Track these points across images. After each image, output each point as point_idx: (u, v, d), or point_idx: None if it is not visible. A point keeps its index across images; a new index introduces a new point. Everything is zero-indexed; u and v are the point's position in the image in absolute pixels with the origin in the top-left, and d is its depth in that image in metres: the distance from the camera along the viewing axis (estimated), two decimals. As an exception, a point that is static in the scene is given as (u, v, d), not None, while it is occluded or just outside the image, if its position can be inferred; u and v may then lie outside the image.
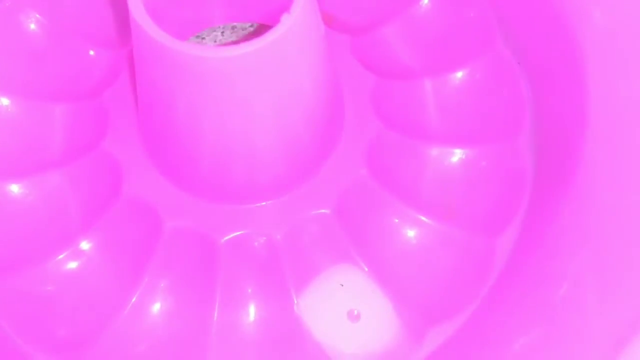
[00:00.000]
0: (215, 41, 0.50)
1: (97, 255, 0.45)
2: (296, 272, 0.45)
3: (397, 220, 0.46)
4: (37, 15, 0.49)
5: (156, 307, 0.44)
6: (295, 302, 0.44)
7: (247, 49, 0.35)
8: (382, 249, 0.46)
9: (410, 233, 0.46)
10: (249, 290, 0.44)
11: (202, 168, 0.44)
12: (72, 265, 0.45)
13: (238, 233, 0.45)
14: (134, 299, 0.44)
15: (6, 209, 0.46)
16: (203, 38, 0.49)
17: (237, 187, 0.45)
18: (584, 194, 0.43)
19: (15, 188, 0.46)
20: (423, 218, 0.46)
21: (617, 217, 0.41)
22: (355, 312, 0.44)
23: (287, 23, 0.35)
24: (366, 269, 0.45)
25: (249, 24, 0.49)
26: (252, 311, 0.44)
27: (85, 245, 0.45)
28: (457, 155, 0.48)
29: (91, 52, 0.49)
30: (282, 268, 0.45)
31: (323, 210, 0.45)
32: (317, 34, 0.39)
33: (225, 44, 0.50)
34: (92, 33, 0.49)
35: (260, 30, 0.49)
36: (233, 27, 0.49)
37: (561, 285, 0.41)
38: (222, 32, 0.50)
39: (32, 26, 0.49)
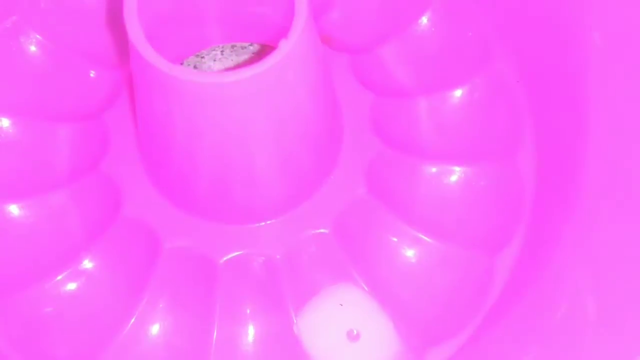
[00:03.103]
0: (214, 60, 0.50)
1: (96, 275, 0.45)
2: (295, 292, 0.45)
3: (396, 239, 0.46)
4: (38, 36, 0.49)
5: (155, 328, 0.44)
6: (295, 322, 0.44)
7: (245, 74, 0.35)
8: (381, 268, 0.46)
9: (410, 252, 0.46)
10: (248, 310, 0.44)
11: (201, 189, 0.44)
12: (72, 285, 0.45)
13: (237, 253, 0.45)
14: (133, 320, 0.44)
15: (7, 228, 0.46)
16: (202, 57, 0.49)
17: (235, 207, 0.45)
18: (584, 214, 0.42)
19: (16, 208, 0.46)
20: (422, 237, 0.46)
21: (619, 240, 0.41)
22: (355, 332, 0.44)
23: (285, 49, 0.35)
24: (366, 289, 0.45)
25: (249, 42, 0.49)
26: (251, 331, 0.44)
27: (84, 265, 0.45)
28: (456, 173, 0.48)
29: (92, 72, 0.49)
30: (281, 288, 0.45)
31: (322, 230, 0.45)
32: (316, 56, 0.39)
33: (227, 68, 0.50)
34: (93, 53, 0.49)
35: (262, 48, 0.49)
36: (233, 46, 0.49)
37: (560, 307, 0.41)
38: (222, 51, 0.50)
39: (33, 47, 0.49)
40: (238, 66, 0.49)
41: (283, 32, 0.40)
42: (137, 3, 0.37)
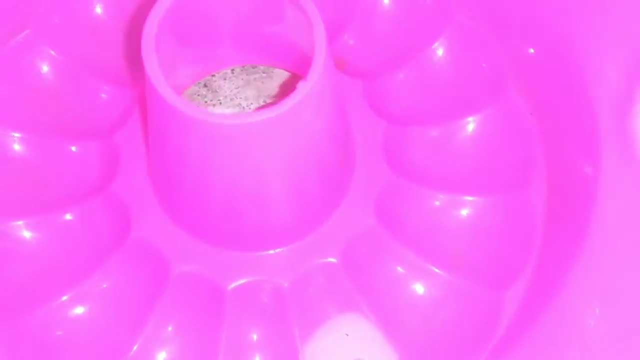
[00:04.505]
0: (225, 79, 0.50)
1: (103, 297, 0.45)
2: (302, 320, 0.45)
3: (404, 270, 0.46)
4: (51, 51, 0.48)
5: (161, 353, 0.44)
6: (301, 351, 0.44)
7: (263, 116, 0.35)
8: (388, 299, 0.46)
9: (418, 283, 0.46)
10: (255, 337, 0.44)
11: (211, 216, 0.44)
12: (79, 306, 0.45)
13: (245, 280, 0.45)
14: (138, 343, 0.44)
15: (14, 248, 0.46)
16: (213, 75, 0.49)
17: (245, 235, 0.45)
18: (596, 251, 0.42)
19: (24, 226, 0.46)
20: (431, 268, 0.46)
21: (628, 278, 0.41)
22: (361, 363, 0.44)
23: (303, 91, 0.35)
24: (372, 319, 0.45)
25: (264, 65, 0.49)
26: (257, 359, 0.44)
27: (92, 286, 0.45)
28: (467, 204, 0.48)
29: (104, 90, 0.49)
30: (288, 316, 0.45)
31: (330, 259, 0.45)
32: (332, 91, 0.39)
33: (237, 87, 0.50)
34: (105, 71, 0.49)
35: (271, 67, 0.49)
36: (243, 65, 0.49)
37: (566, 343, 0.41)
38: (232, 70, 0.49)
39: (45, 62, 0.49)
40: (248, 85, 0.49)
41: (299, 56, 0.40)
42: (155, 35, 0.37)
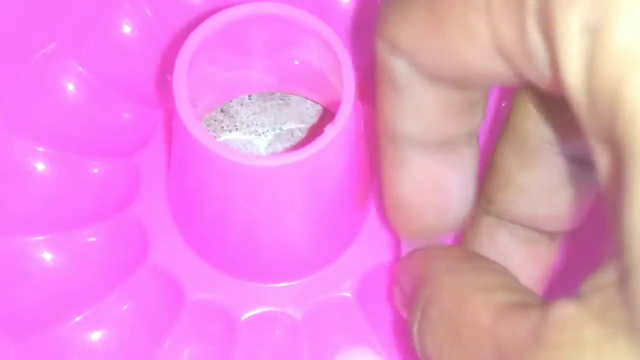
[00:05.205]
0: (241, 104, 0.50)
1: (117, 321, 0.45)
2: (314, 353, 0.45)
3: (417, 307, 0.46)
4: (77, 66, 0.48)
5: (174, 381, 0.44)
6: (311, 383, 0.45)
7: (288, 160, 0.35)
8: (401, 334, 0.46)
9: (430, 321, 0.46)
10: (266, 368, 0.45)
11: (229, 248, 0.44)
12: (91, 329, 0.45)
13: (259, 311, 0.45)
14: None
15: (30, 265, 0.46)
16: (230, 100, 0.50)
17: (262, 267, 0.45)
18: None
19: (40, 244, 0.46)
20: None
21: None
22: (369, 398, 0.45)
23: (330, 135, 0.35)
24: (384, 354, 0.45)
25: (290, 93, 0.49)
26: (266, 390, 0.45)
27: (106, 309, 0.45)
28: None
29: (128, 110, 0.49)
30: (300, 349, 0.45)
31: (345, 294, 0.46)
32: (357, 132, 0.39)
33: (254, 113, 0.50)
34: (131, 90, 0.49)
35: (287, 94, 0.49)
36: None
37: None
38: (249, 96, 0.50)
39: (70, 76, 0.49)
40: (264, 112, 0.49)
41: (328, 87, 0.41)
42: (187, 67, 0.37)
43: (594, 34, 0.21)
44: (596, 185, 0.22)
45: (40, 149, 0.47)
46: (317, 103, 0.49)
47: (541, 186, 0.34)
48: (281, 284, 0.45)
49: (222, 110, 0.50)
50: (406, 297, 0.32)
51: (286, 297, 0.45)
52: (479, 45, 0.25)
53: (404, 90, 0.29)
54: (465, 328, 0.27)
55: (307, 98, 0.49)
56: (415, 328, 0.30)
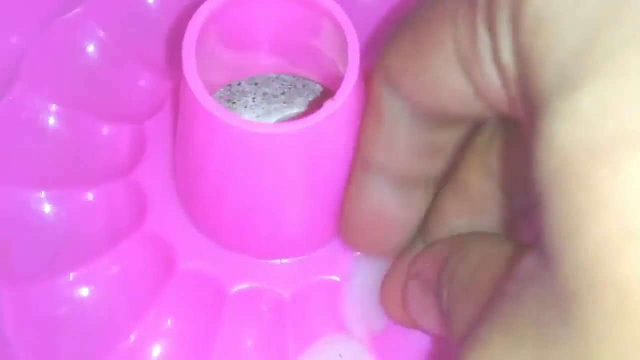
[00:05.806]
0: (246, 107, 0.50)
1: (108, 282, 0.46)
2: (298, 334, 0.45)
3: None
4: (100, 33, 0.49)
5: (156, 346, 0.44)
6: (293, 363, 0.45)
7: (287, 129, 0.36)
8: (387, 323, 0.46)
9: (417, 315, 0.46)
10: (249, 344, 0.45)
11: (224, 219, 0.44)
12: (83, 287, 0.45)
13: (249, 285, 0.45)
14: (136, 334, 0.44)
15: (31, 218, 0.46)
16: (234, 102, 0.50)
17: (256, 241, 0.45)
18: None
19: (44, 198, 0.47)
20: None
21: None
22: (351, 385, 0.45)
23: (329, 109, 0.36)
24: (366, 343, 0.45)
25: (281, 91, 0.49)
26: (249, 366, 0.45)
27: (98, 269, 0.46)
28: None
29: (143, 78, 0.50)
30: (285, 328, 0.45)
31: (334, 277, 0.46)
32: (359, 114, 0.40)
33: (257, 116, 0.50)
34: (147, 60, 0.50)
35: (291, 97, 0.50)
36: (264, 94, 0.50)
37: None
38: (254, 99, 0.50)
39: (93, 43, 0.49)
40: (268, 115, 0.50)
41: (332, 69, 0.41)
42: (197, 39, 0.37)
43: (516, 10, 0.22)
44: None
45: (54, 107, 0.48)
46: (322, 85, 0.50)
47: (473, 230, 0.36)
48: (274, 261, 0.45)
49: (227, 112, 0.50)
50: (427, 282, 0.35)
51: (277, 275, 0.45)
52: (445, 57, 0.27)
53: (385, 122, 0.33)
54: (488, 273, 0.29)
55: (314, 81, 0.49)
56: (445, 294, 0.32)
